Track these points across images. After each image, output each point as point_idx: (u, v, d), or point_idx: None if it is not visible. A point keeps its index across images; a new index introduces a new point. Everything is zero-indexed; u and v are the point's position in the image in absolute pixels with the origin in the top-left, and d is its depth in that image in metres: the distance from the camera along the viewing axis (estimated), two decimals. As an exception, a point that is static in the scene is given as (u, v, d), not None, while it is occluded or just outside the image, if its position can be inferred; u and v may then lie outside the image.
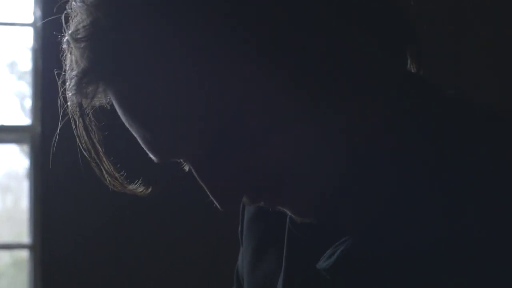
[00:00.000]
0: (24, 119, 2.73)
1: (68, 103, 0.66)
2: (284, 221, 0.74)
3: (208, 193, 0.65)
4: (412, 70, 0.68)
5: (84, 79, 0.62)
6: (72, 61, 0.63)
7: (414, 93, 0.67)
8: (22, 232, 2.62)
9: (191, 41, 0.60)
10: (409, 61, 0.67)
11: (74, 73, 0.63)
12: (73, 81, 0.63)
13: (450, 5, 2.63)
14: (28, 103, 2.66)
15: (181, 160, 0.67)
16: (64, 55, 0.65)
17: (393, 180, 0.64)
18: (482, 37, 2.68)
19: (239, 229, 0.87)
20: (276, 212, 0.72)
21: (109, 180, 0.69)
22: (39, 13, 2.53)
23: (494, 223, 0.59)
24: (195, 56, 0.60)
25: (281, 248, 0.75)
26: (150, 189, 0.71)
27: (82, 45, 0.62)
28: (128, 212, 2.51)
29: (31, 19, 2.60)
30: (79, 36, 0.62)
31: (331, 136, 0.62)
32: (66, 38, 0.64)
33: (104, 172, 0.68)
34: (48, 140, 2.49)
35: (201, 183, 0.65)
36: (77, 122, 0.67)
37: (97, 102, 0.65)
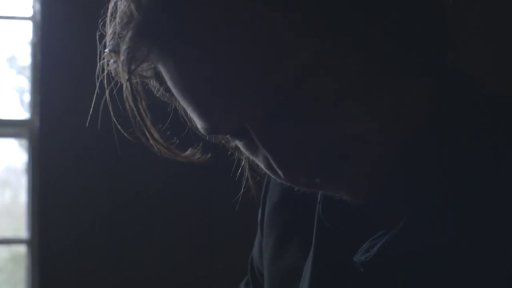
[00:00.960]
0: (23, 113, 2.71)
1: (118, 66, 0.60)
2: (309, 211, 0.73)
3: (272, 161, 0.61)
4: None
5: (143, 31, 0.57)
6: (127, 13, 0.57)
7: (459, 84, 0.66)
8: (20, 227, 2.61)
9: (261, 9, 0.56)
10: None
11: (130, 26, 0.57)
12: (129, 34, 0.57)
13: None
14: (27, 97, 2.65)
15: (228, 136, 0.64)
16: (112, 11, 0.59)
17: (436, 174, 0.63)
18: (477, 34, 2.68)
19: (259, 217, 0.85)
20: (300, 202, 0.71)
21: (157, 147, 0.65)
22: (38, 6, 2.52)
23: None
24: (265, 17, 0.57)
25: (306, 238, 0.74)
26: (209, 156, 0.68)
27: None
28: (127, 208, 2.50)
29: (30, 13, 2.58)
30: None
31: (392, 118, 0.61)
32: None
33: (151, 140, 0.64)
34: (47, 135, 2.48)
35: (265, 150, 0.61)
36: (124, 86, 0.61)
37: (145, 67, 0.60)
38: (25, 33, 2.67)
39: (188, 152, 0.68)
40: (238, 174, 0.73)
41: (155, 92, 0.65)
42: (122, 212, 2.50)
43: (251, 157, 0.66)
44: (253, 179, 0.73)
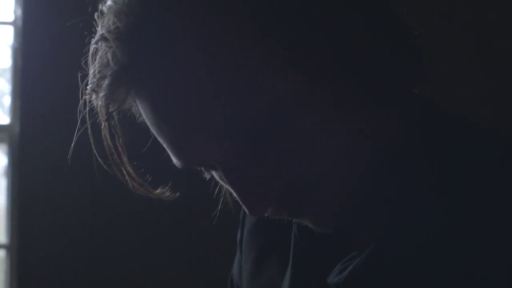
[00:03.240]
0: (2, 117, 2.71)
1: (97, 105, 0.64)
2: (286, 231, 0.75)
3: (237, 198, 0.65)
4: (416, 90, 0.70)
5: (118, 80, 0.60)
6: (104, 60, 0.61)
7: (425, 112, 0.68)
8: (-1, 230, 2.61)
9: (229, 48, 0.60)
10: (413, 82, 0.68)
11: (107, 72, 0.61)
12: (106, 81, 0.61)
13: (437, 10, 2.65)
14: (7, 100, 2.64)
15: (203, 168, 0.67)
16: (92, 53, 0.62)
17: (405, 197, 0.65)
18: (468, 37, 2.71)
19: (238, 236, 0.87)
20: (277, 221, 0.72)
21: (132, 184, 0.69)
22: (20, 12, 2.51)
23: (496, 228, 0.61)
24: (230, 62, 0.60)
25: (283, 258, 0.76)
26: (177, 194, 0.71)
27: (120, 44, 0.60)
28: (107, 213, 2.50)
29: (11, 18, 2.58)
30: (118, 35, 0.60)
31: (354, 149, 0.63)
32: (100, 35, 0.62)
33: (127, 176, 0.68)
34: (27, 140, 2.48)
35: (230, 187, 0.65)
36: (102, 125, 0.65)
37: (124, 107, 0.64)
38: (5, 36, 2.67)
39: (159, 190, 0.71)
40: (216, 191, 0.76)
41: (137, 117, 0.67)
42: (102, 218, 2.50)
43: (225, 186, 0.69)
44: (231, 194, 0.75)
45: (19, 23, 2.51)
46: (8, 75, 2.60)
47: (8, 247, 2.52)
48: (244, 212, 0.85)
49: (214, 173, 0.68)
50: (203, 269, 2.51)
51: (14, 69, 2.54)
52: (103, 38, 0.61)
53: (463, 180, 0.64)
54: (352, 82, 0.62)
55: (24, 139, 2.48)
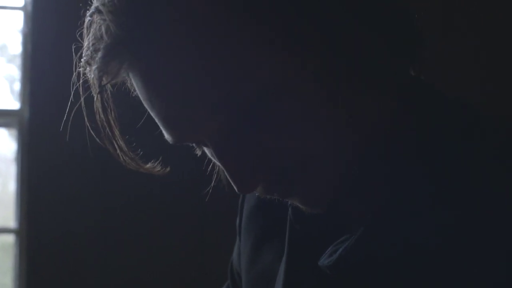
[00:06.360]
0: (13, 103, 2.72)
1: (90, 78, 0.64)
2: (284, 215, 0.75)
3: (227, 175, 0.64)
4: (412, 73, 0.69)
5: (111, 53, 0.61)
6: (98, 33, 0.61)
7: (419, 94, 0.68)
8: (9, 215, 2.62)
9: (222, 28, 0.60)
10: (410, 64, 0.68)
11: (101, 45, 0.61)
12: (99, 54, 0.61)
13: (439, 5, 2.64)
14: (17, 86, 2.65)
15: (194, 144, 0.67)
16: (87, 26, 0.63)
17: (397, 179, 0.65)
18: (471, 35, 2.69)
19: (237, 221, 0.87)
20: (275, 205, 0.72)
21: (123, 158, 0.68)
22: (30, -3, 2.52)
23: (492, 223, 0.61)
24: (227, 35, 0.60)
25: (280, 241, 0.76)
26: (168, 169, 0.71)
27: (114, 17, 0.60)
28: (116, 198, 2.51)
29: (21, 3, 2.58)
30: (112, 8, 0.60)
31: (346, 129, 0.63)
32: (95, 8, 0.62)
33: (118, 150, 0.68)
34: (37, 125, 2.49)
35: (220, 164, 0.65)
36: (95, 98, 0.65)
37: (117, 80, 0.64)
38: (16, 22, 2.68)
39: (149, 164, 0.71)
40: (209, 168, 0.76)
41: (132, 91, 0.68)
42: (111, 203, 2.51)
43: (217, 163, 0.69)
44: (224, 172, 0.76)
45: (29, 8, 2.52)
46: (18, 60, 2.61)
47: (17, 232, 2.53)
48: (243, 197, 0.86)
49: (205, 149, 0.68)
50: (216, 253, 2.51)
51: (24, 54, 2.55)
52: (97, 11, 0.62)
53: (456, 167, 0.64)
54: (341, 67, 0.62)
55: (34, 124, 2.49)
